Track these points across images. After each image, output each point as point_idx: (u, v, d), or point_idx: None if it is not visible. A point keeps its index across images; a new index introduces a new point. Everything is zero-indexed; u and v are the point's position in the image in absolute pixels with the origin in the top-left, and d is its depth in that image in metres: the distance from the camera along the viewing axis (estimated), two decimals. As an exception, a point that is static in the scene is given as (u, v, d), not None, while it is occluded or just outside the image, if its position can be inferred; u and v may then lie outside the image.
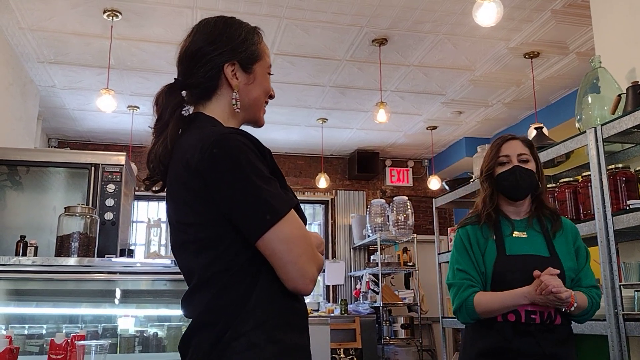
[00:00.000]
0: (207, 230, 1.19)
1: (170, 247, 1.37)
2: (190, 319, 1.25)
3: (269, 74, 1.40)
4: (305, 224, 1.25)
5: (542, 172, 2.11)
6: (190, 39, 1.36)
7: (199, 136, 1.22)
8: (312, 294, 8.29)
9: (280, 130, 7.55)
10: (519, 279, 1.90)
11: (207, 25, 1.38)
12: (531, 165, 2.05)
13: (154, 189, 1.35)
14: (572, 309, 1.88)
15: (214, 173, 1.16)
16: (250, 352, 1.13)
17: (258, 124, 1.41)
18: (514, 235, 2.01)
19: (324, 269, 8.13)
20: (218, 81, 1.33)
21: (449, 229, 4.49)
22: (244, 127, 1.37)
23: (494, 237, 2.00)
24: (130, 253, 3.61)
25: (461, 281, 1.98)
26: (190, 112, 1.36)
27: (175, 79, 1.36)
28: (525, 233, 2.02)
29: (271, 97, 1.42)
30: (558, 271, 1.87)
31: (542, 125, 4.31)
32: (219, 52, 1.32)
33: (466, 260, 2.01)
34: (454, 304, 1.99)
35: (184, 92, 1.35)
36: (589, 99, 2.98)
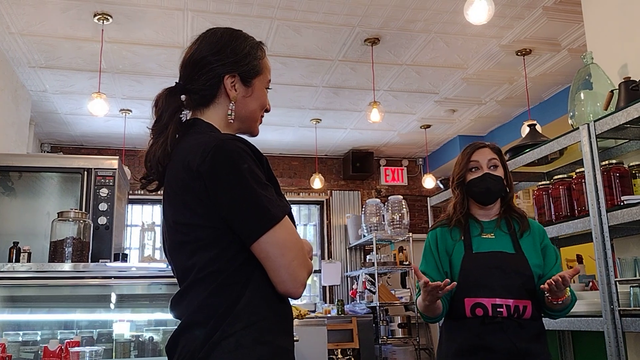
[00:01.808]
0: (204, 231, 1.23)
1: (164, 248, 1.39)
2: (179, 319, 1.28)
3: (267, 88, 1.45)
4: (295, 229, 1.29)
5: (510, 177, 2.21)
6: (195, 46, 1.41)
7: (200, 140, 1.27)
8: (308, 294, 8.29)
9: (274, 131, 7.54)
10: (485, 274, 1.99)
11: (213, 35, 1.41)
12: (500, 171, 2.15)
13: (149, 188, 1.39)
14: (561, 302, 1.93)
15: (214, 176, 1.20)
16: (238, 352, 1.16)
17: (252, 134, 1.46)
18: (482, 236, 2.10)
19: (320, 270, 8.13)
20: (217, 90, 1.37)
21: (444, 227, 4.48)
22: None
23: (462, 238, 2.10)
24: (125, 257, 3.59)
25: (418, 284, 2.08)
26: (188, 117, 1.40)
27: (176, 82, 1.40)
28: (492, 234, 2.11)
29: (267, 110, 1.47)
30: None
31: (535, 122, 4.33)
32: (222, 63, 1.36)
33: (430, 263, 2.11)
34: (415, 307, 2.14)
35: (183, 97, 1.39)
36: (582, 95, 2.98)
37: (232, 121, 1.37)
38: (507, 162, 3.27)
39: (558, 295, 1.90)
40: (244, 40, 1.41)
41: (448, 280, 1.85)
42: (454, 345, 2.01)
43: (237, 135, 1.32)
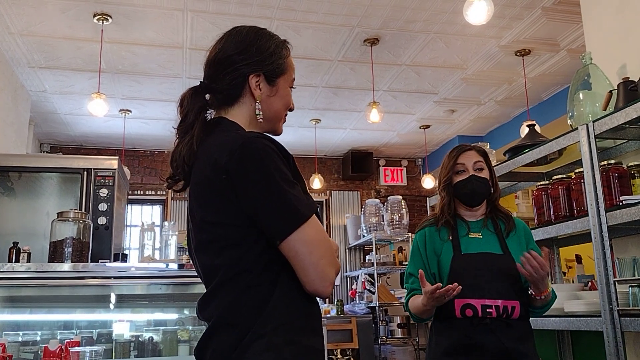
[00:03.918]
0: (230, 230, 1.22)
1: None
2: (207, 322, 1.27)
3: (291, 87, 1.45)
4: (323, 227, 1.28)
5: (496, 178, 2.24)
6: (220, 45, 1.39)
7: (227, 138, 1.26)
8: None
9: (274, 131, 7.54)
10: (474, 275, 2.01)
11: (238, 34, 1.39)
12: (485, 173, 2.18)
13: (175, 188, 1.38)
14: (543, 297, 1.99)
15: (242, 174, 1.20)
16: (269, 352, 1.16)
17: (276, 133, 1.45)
18: (469, 236, 2.13)
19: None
20: (242, 90, 1.36)
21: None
22: None
23: (450, 238, 2.12)
24: (124, 257, 3.59)
25: (410, 286, 2.14)
26: (212, 116, 1.39)
27: (200, 82, 1.39)
28: (480, 234, 2.13)
29: (291, 109, 1.46)
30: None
31: (534, 122, 4.33)
32: (247, 63, 1.35)
33: (418, 264, 2.14)
34: (404, 307, 2.17)
35: (207, 96, 1.38)
36: (581, 95, 2.99)
37: (261, 121, 1.37)
38: (507, 162, 3.31)
39: (539, 288, 1.95)
40: (269, 38, 1.40)
41: (456, 285, 1.86)
42: (443, 346, 2.03)
43: (263, 133, 1.31)
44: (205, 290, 1.30)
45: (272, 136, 1.30)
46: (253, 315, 1.18)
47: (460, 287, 1.88)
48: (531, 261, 1.89)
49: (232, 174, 1.20)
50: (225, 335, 1.19)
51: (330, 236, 8.39)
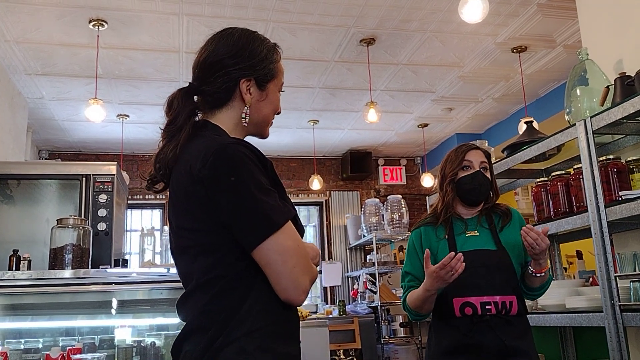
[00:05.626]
0: (206, 236, 1.22)
1: (168, 252, 1.39)
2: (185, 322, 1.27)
3: (280, 91, 1.43)
4: (303, 235, 1.27)
5: (496, 184, 2.25)
6: (212, 47, 1.37)
7: (204, 145, 1.25)
8: (310, 295, 8.28)
9: (272, 133, 7.31)
10: (471, 273, 1.99)
11: (230, 37, 1.38)
12: (488, 175, 2.19)
13: (156, 188, 1.37)
14: (543, 273, 2.01)
15: (215, 182, 1.18)
16: (240, 358, 1.14)
17: (263, 136, 1.45)
18: (466, 234, 2.13)
19: (321, 271, 8.12)
20: (232, 94, 1.35)
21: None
22: (248, 138, 1.39)
23: (447, 237, 2.13)
24: (125, 263, 3.59)
25: (406, 284, 2.15)
26: (198, 118, 1.38)
27: (190, 83, 1.38)
28: (476, 231, 2.14)
29: (278, 113, 1.45)
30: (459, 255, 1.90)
31: (532, 119, 4.33)
32: (239, 67, 1.34)
33: (414, 263, 2.15)
34: (402, 306, 2.17)
35: (196, 97, 1.37)
36: (578, 91, 2.98)
37: (246, 125, 1.36)
38: (505, 160, 3.31)
39: (540, 263, 1.98)
40: (260, 43, 1.39)
41: (460, 255, 1.85)
42: (443, 345, 2.03)
43: (240, 139, 1.30)
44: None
45: (249, 142, 1.28)
46: (225, 319, 1.17)
47: (464, 264, 1.85)
48: (530, 233, 1.93)
49: (205, 181, 1.19)
50: (197, 338, 1.19)
51: (330, 237, 8.49)
